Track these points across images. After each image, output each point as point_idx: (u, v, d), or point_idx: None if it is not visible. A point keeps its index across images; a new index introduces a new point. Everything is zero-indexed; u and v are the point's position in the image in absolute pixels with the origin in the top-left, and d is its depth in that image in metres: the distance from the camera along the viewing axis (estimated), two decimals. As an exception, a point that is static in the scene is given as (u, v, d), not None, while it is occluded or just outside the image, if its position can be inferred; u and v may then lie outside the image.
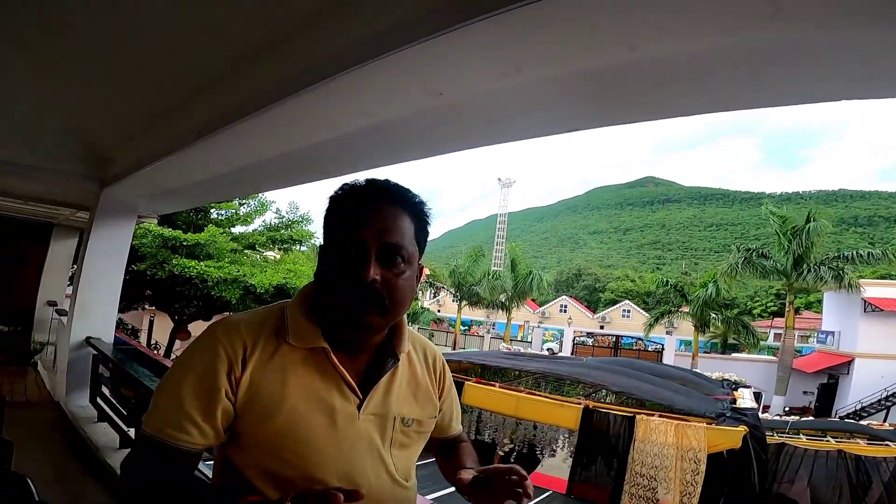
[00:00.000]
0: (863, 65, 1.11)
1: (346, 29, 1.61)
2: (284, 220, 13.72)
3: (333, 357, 0.88)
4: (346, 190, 0.91)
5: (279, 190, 12.69)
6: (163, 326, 17.01)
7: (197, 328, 14.58)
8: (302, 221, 13.63)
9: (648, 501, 5.66)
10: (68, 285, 7.86)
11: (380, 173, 2.37)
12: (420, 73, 1.50)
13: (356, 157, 2.22)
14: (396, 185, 0.92)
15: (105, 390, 3.93)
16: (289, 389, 0.85)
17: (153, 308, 15.16)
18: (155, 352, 12.51)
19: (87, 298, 4.19)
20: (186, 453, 0.83)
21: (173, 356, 14.25)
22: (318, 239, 13.60)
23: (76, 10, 2.15)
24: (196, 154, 2.57)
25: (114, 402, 3.73)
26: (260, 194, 12.50)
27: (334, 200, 0.92)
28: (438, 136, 1.88)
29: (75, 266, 7.65)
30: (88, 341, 4.10)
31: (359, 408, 0.90)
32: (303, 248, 14.84)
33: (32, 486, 0.98)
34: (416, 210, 0.92)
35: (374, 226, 0.85)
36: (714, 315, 25.01)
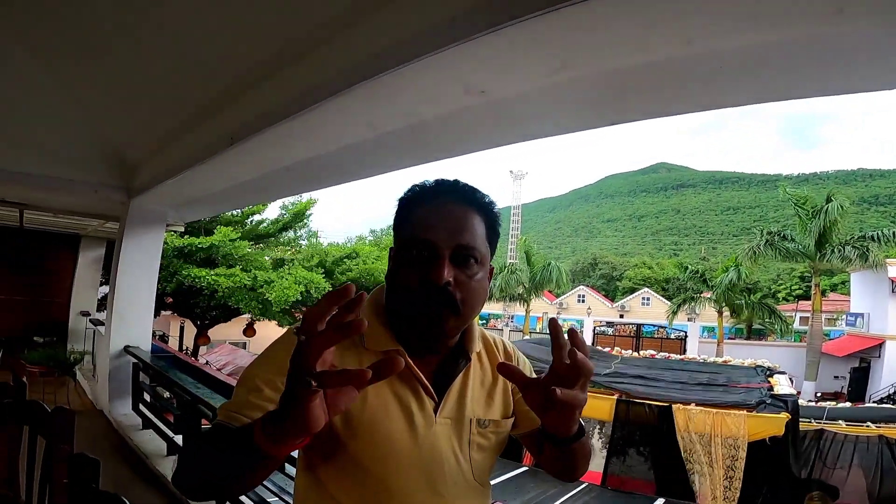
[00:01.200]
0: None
1: (384, 30, 1.59)
2: (289, 210, 13.64)
3: (409, 360, 0.86)
4: (417, 191, 0.90)
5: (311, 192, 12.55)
6: (191, 332, 17.35)
7: (217, 333, 14.81)
8: (306, 206, 13.52)
9: (705, 490, 5.61)
10: (99, 297, 8.03)
11: (408, 171, 2.36)
12: (461, 72, 1.48)
13: (392, 156, 2.21)
14: (466, 185, 0.91)
15: (147, 398, 3.99)
16: (367, 394, 0.83)
17: (177, 315, 15.45)
18: (192, 358, 12.73)
19: (124, 308, 4.26)
20: None
21: (201, 360, 14.50)
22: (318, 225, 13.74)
23: (104, 23, 2.17)
24: (228, 160, 2.58)
25: (157, 409, 3.79)
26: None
27: (404, 203, 0.90)
28: (478, 133, 1.87)
29: (103, 276, 7.83)
30: (127, 350, 4.17)
31: (435, 411, 0.88)
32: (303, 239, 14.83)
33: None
34: (486, 210, 0.90)
35: (447, 227, 0.83)
36: (738, 300, 24.58)
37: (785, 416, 5.60)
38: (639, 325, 29.75)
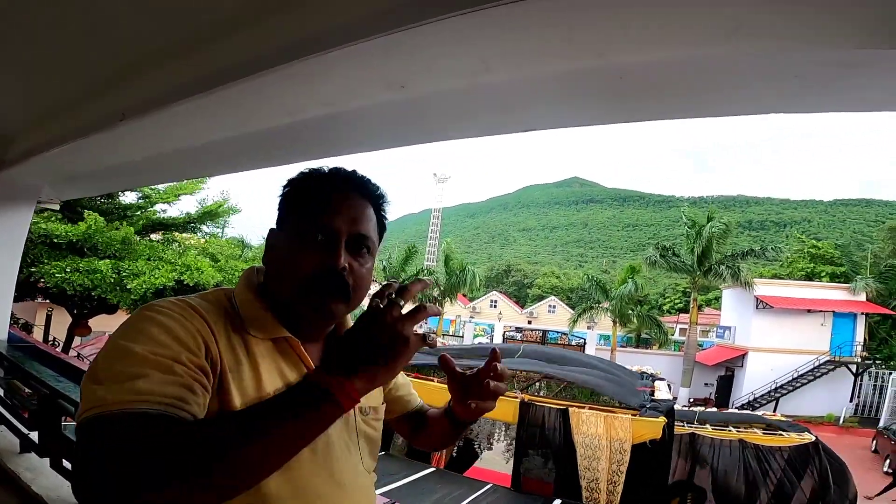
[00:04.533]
0: (794, 81, 1.22)
1: (303, 17, 1.52)
2: (208, 209, 12.82)
3: (301, 348, 0.85)
4: (314, 176, 0.89)
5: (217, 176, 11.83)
6: (60, 322, 15.38)
7: (99, 323, 13.23)
8: (223, 206, 12.90)
9: (593, 492, 5.97)
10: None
11: (321, 163, 2.28)
12: (382, 65, 1.45)
13: (308, 145, 2.11)
14: (363, 176, 0.92)
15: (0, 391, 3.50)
16: (263, 385, 0.78)
17: (49, 301, 13.66)
18: (55, 349, 11.26)
19: (-24, 293, 3.68)
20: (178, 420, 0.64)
21: (72, 352, 12.92)
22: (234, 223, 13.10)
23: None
24: (118, 137, 2.31)
25: (10, 403, 3.35)
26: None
27: (298, 185, 0.89)
28: (397, 128, 1.85)
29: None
30: (-22, 340, 3.62)
31: None
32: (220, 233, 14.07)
33: None
34: (379, 203, 0.93)
35: (346, 215, 0.84)
36: (629, 311, 26.84)
37: (662, 419, 6.14)
38: (544, 332, 31.40)
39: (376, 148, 1.92)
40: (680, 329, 33.29)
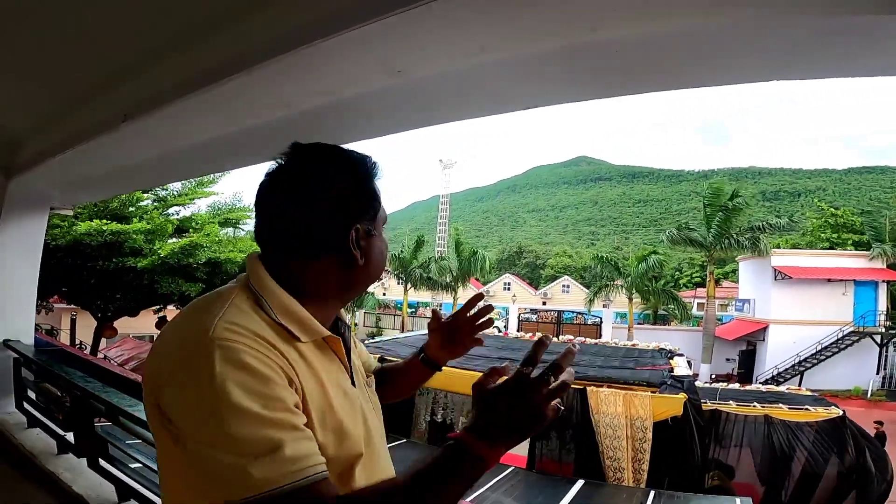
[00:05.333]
0: (793, 48, 1.20)
1: (300, 5, 1.51)
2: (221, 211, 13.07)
3: (340, 345, 0.86)
4: (372, 165, 0.89)
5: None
6: (86, 326, 15.77)
7: (124, 325, 13.52)
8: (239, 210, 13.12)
9: (617, 471, 5.98)
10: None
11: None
12: (378, 50, 1.44)
13: (308, 136, 2.10)
14: None
15: (31, 394, 3.62)
16: (327, 388, 0.79)
17: (73, 306, 14.01)
18: (83, 351, 11.57)
19: (1, 299, 3.79)
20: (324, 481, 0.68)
21: (100, 355, 13.25)
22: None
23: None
24: (121, 139, 2.33)
25: (44, 406, 3.46)
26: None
27: (367, 177, 0.87)
28: (397, 114, 1.84)
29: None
30: (7, 344, 3.73)
31: (353, 383, 0.89)
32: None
33: None
34: None
35: None
36: (646, 287, 26.60)
37: (682, 396, 6.10)
38: (559, 312, 31.42)
39: (376, 135, 1.92)
40: (698, 304, 32.97)
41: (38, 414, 3.50)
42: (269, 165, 0.89)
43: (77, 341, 16.88)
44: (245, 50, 1.62)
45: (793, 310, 23.45)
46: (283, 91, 1.72)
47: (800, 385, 19.60)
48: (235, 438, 0.63)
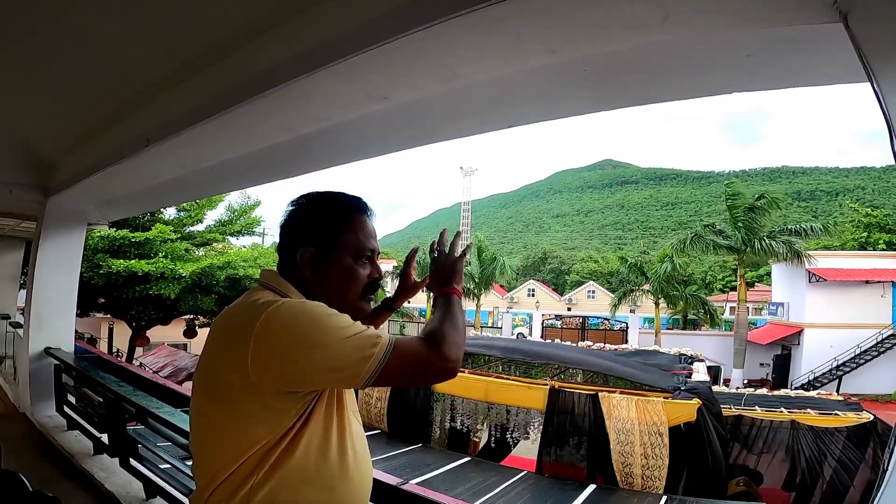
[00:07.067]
0: (747, 60, 1.27)
1: (294, 38, 1.67)
2: (235, 212, 13.77)
3: None
4: (350, 203, 1.11)
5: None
6: (121, 334, 16.47)
7: (156, 333, 14.16)
8: (249, 210, 13.83)
9: (629, 476, 5.94)
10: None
11: (341, 170, 2.44)
12: (365, 79, 1.59)
13: (310, 158, 2.28)
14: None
15: (71, 399, 3.88)
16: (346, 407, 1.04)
17: (110, 316, 14.70)
18: (119, 359, 12.17)
19: (43, 309, 4.10)
20: None
21: (136, 362, 13.82)
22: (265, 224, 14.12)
23: (16, 18, 2.10)
24: (145, 161, 2.56)
25: (82, 409, 3.71)
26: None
27: (340, 211, 1.09)
28: (385, 137, 1.99)
29: (24, 277, 7.35)
30: (48, 351, 4.03)
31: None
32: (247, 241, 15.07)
33: (26, 481, 1.04)
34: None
35: (375, 237, 1.13)
36: (674, 292, 25.97)
37: (696, 402, 5.99)
38: (584, 318, 30.98)
39: (369, 156, 2.06)
40: (730, 308, 31.91)
41: (76, 416, 3.75)
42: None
43: (114, 349, 17.62)
44: (248, 80, 1.80)
45: (829, 313, 22.51)
46: (285, 116, 1.89)
47: (837, 390, 18.82)
48: (349, 331, 0.91)
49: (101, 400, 3.27)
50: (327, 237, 1.05)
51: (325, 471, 0.93)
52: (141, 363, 14.30)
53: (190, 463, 2.33)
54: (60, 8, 1.99)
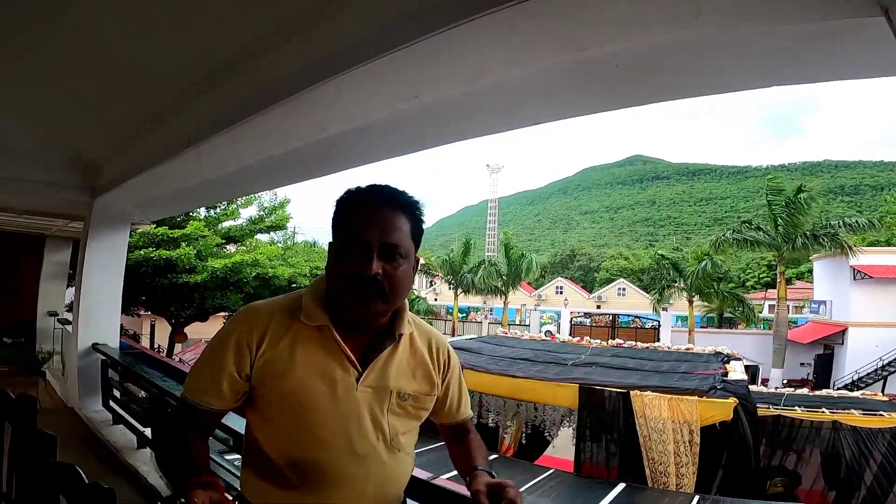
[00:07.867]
0: (784, 55, 1.24)
1: (327, 38, 1.71)
2: (266, 209, 14.11)
3: (336, 334, 1.04)
4: (352, 194, 1.05)
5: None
6: (162, 330, 17.16)
7: (193, 331, 14.70)
8: (280, 207, 14.09)
9: (661, 475, 5.83)
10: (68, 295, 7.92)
11: (367, 169, 2.49)
12: (396, 78, 1.62)
13: (341, 157, 2.33)
14: (394, 189, 1.07)
15: (117, 394, 4.04)
16: (297, 360, 1.02)
17: (151, 313, 15.31)
18: (160, 354, 12.70)
19: (90, 306, 4.29)
20: (206, 412, 1.07)
21: (176, 358, 14.37)
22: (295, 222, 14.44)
23: (61, 23, 2.22)
24: (186, 162, 2.66)
25: (127, 404, 3.85)
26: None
27: (341, 204, 1.06)
28: (415, 135, 2.01)
29: (71, 275, 7.74)
30: (95, 347, 4.21)
31: (357, 379, 1.04)
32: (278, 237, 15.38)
33: (81, 472, 1.11)
34: (411, 210, 1.06)
35: (377, 228, 1.00)
36: (708, 289, 25.21)
37: (733, 400, 5.81)
38: (614, 316, 30.43)
39: (397, 154, 2.10)
40: (769, 306, 30.77)
41: (121, 411, 3.90)
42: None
43: (156, 345, 18.36)
44: (282, 81, 1.85)
45: (874, 311, 21.37)
46: (317, 117, 1.94)
47: (883, 390, 17.90)
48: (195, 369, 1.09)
49: (144, 395, 3.40)
50: (333, 230, 1.07)
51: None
52: (181, 359, 14.87)
53: (229, 457, 2.42)
54: (104, 16, 2.09)
